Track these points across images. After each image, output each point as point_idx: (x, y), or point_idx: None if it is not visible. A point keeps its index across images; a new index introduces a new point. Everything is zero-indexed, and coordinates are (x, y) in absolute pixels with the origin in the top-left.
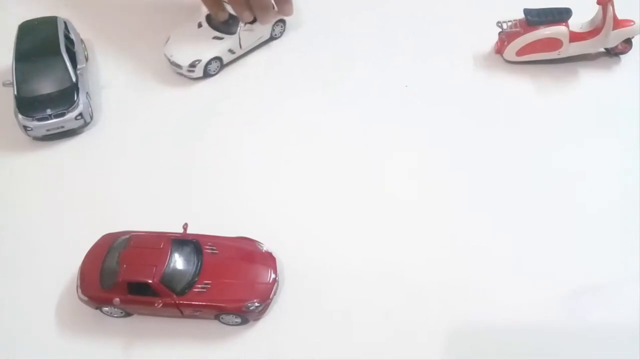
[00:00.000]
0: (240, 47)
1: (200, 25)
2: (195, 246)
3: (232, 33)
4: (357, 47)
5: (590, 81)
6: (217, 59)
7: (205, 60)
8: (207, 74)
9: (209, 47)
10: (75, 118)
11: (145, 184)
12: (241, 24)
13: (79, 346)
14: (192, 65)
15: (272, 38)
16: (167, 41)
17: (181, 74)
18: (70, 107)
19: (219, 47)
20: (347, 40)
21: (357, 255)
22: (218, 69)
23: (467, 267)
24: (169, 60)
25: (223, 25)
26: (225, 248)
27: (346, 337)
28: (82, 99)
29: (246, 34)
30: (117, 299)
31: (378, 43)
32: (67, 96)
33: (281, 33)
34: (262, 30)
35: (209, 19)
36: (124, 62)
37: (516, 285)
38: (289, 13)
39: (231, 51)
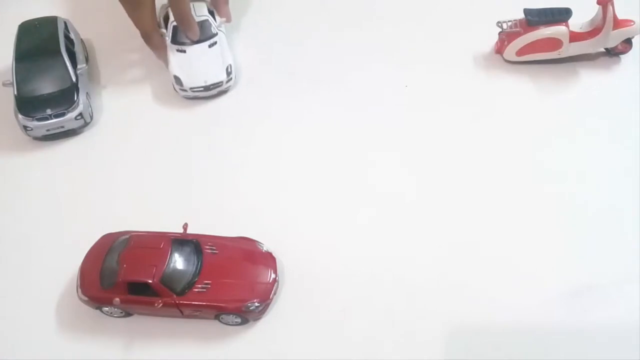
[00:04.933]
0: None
1: (182, 50)
2: (195, 246)
3: (216, 33)
4: (355, 47)
5: (590, 81)
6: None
7: (233, 62)
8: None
9: (218, 51)
10: (75, 118)
11: (146, 184)
12: (218, 20)
13: (79, 346)
14: (229, 73)
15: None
16: (178, 80)
17: (220, 90)
18: (70, 107)
19: (224, 47)
20: (346, 40)
21: (357, 255)
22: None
23: (466, 268)
24: (205, 86)
25: (198, 33)
26: (225, 248)
27: (346, 337)
28: (82, 99)
29: (224, 27)
30: (117, 299)
31: (377, 43)
32: (67, 96)
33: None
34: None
35: (178, 37)
36: (124, 62)
37: (516, 285)
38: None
39: (229, 46)
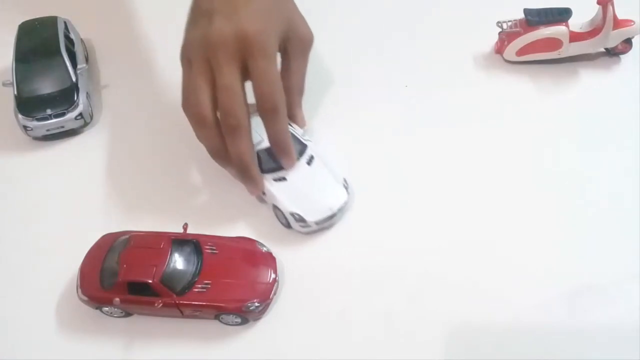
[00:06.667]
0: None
1: (281, 178)
2: (195, 246)
3: (306, 145)
4: (354, 46)
5: (590, 81)
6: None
7: (342, 172)
8: None
9: (321, 166)
10: (75, 118)
11: (146, 184)
12: (299, 129)
13: (79, 346)
14: (347, 187)
15: None
16: (298, 217)
17: (342, 212)
18: (70, 107)
19: (324, 158)
20: (344, 39)
21: (357, 255)
22: None
23: (466, 268)
24: (331, 215)
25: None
26: (225, 248)
27: (346, 336)
28: (82, 99)
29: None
30: (117, 299)
31: (377, 42)
32: (67, 96)
33: None
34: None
35: (266, 163)
36: (124, 62)
37: (516, 285)
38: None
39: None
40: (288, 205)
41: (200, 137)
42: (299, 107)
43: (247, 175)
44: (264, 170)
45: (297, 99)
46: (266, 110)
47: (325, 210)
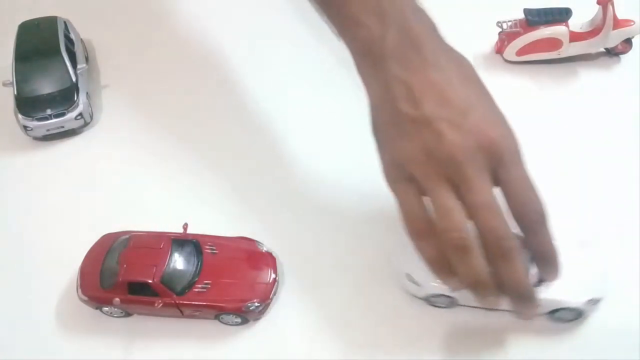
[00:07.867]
0: None
1: (541, 280)
2: (195, 246)
3: None
4: None
5: (590, 81)
6: None
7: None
8: None
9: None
10: (75, 118)
11: (146, 184)
12: None
13: (79, 346)
14: (590, 241)
15: None
16: (595, 301)
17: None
18: (70, 107)
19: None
20: None
21: (357, 254)
22: None
23: None
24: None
25: None
26: (225, 248)
27: (346, 337)
28: (82, 99)
29: None
30: (117, 299)
31: None
32: (67, 96)
33: None
34: None
35: None
36: (124, 62)
37: None
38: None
39: None
40: (579, 297)
41: (465, 268)
42: None
43: (528, 301)
44: None
45: None
46: (533, 222)
47: (603, 276)
